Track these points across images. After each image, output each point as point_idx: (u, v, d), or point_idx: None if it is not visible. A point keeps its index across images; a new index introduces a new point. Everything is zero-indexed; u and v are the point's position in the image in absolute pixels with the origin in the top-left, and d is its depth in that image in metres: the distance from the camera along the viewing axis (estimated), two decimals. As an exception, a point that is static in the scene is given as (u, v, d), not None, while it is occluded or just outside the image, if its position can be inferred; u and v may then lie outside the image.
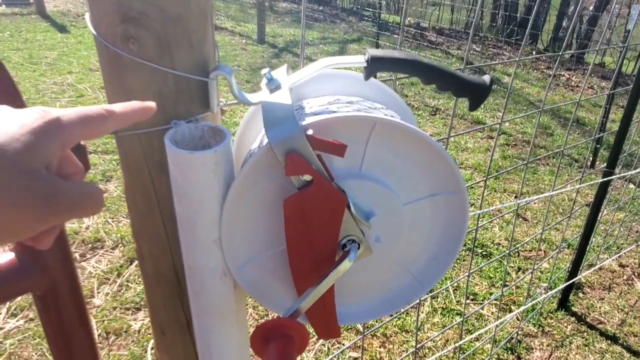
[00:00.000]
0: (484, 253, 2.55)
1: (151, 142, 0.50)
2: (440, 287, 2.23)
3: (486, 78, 0.54)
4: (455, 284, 2.27)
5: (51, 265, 0.50)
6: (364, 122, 0.46)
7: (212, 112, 0.51)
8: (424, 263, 0.57)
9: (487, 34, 8.22)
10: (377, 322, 2.01)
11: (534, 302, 2.17)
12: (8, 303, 1.98)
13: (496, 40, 7.90)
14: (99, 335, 1.85)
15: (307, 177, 0.44)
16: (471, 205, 3.02)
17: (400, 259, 0.55)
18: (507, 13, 8.30)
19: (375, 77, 0.55)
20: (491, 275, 2.37)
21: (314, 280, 0.49)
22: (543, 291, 2.28)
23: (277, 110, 0.45)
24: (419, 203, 0.52)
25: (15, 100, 0.47)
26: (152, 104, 0.40)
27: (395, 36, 7.20)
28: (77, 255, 2.24)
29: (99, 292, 2.05)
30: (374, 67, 0.50)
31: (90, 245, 2.31)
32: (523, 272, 2.44)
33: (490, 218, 2.90)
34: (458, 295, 2.20)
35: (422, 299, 2.16)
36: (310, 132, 0.45)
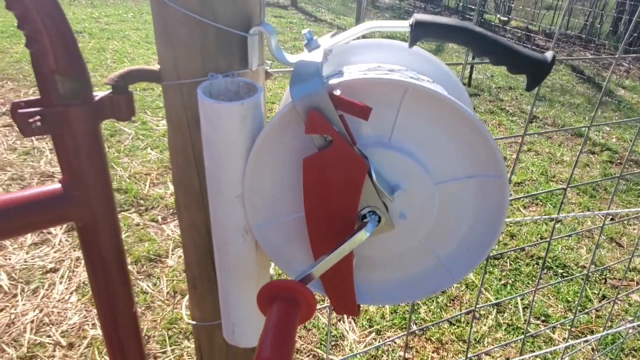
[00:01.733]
0: (564, 274, 2.34)
1: (191, 94, 0.52)
2: (509, 303, 2.09)
3: (548, 55, 0.48)
4: (526, 301, 2.11)
5: (93, 199, 0.54)
6: (395, 86, 0.44)
7: (250, 69, 0.52)
8: (454, 250, 0.53)
9: (605, 41, 7.48)
10: (434, 326, 1.93)
11: (615, 332, 1.95)
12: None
13: (614, 49, 7.17)
14: (167, 293, 1.98)
15: (328, 137, 0.43)
16: (558, 222, 2.78)
17: (428, 240, 0.52)
18: (631, 18, 7.48)
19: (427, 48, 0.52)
20: (569, 298, 2.17)
21: (331, 249, 0.48)
22: (629, 324, 2.04)
23: (305, 68, 0.44)
24: (454, 184, 0.49)
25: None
26: None
27: (499, 37, 6.81)
28: (159, 217, 2.41)
29: (172, 254, 2.19)
30: (418, 32, 0.47)
31: (171, 210, 2.47)
32: (608, 302, 2.20)
33: (579, 238, 2.65)
34: (528, 314, 2.04)
35: (486, 311, 2.04)
36: (337, 92, 0.43)
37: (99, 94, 0.52)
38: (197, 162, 0.56)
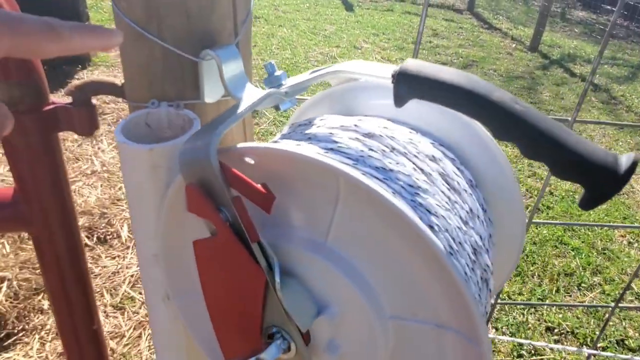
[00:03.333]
0: None
1: (140, 118, 0.44)
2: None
3: (624, 158, 0.28)
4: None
5: (45, 212, 0.50)
6: (326, 171, 0.28)
7: (201, 100, 0.41)
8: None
9: None
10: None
11: None
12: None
13: None
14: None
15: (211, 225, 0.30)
16: None
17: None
18: None
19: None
20: None
21: (240, 344, 0.35)
22: None
23: (219, 117, 0.32)
24: (415, 326, 0.32)
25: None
26: (117, 34, 0.29)
27: None
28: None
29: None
30: (402, 89, 0.31)
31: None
32: None
33: None
34: None
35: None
36: (250, 160, 0.30)
37: (56, 102, 0.47)
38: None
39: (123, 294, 1.91)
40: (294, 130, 0.38)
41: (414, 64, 0.31)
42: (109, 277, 1.98)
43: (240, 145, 0.31)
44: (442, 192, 0.33)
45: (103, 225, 2.17)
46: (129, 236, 2.18)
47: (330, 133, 0.35)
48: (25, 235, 1.91)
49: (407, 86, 0.30)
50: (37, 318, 1.72)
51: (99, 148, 2.66)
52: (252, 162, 0.30)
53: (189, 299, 0.42)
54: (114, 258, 2.08)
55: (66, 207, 0.51)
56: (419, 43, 0.90)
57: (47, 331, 1.69)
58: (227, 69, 0.38)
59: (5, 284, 1.72)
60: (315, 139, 0.34)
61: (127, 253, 2.10)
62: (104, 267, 2.01)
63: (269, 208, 0.28)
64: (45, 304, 1.75)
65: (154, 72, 0.41)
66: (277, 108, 0.39)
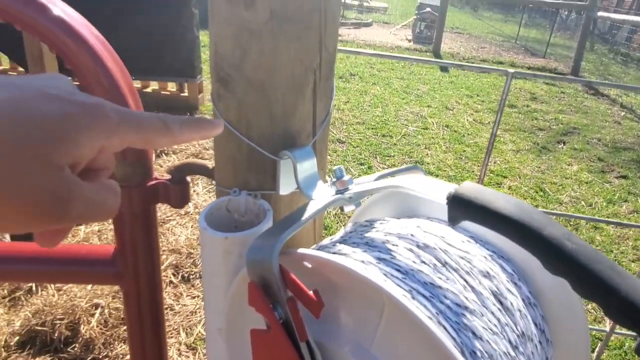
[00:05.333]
0: None
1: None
2: None
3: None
4: None
5: (137, 274, 0.57)
6: (373, 289, 0.30)
7: (276, 192, 0.45)
8: None
9: None
10: None
11: None
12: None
13: None
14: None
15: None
16: None
17: None
18: None
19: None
20: None
21: None
22: None
23: (286, 219, 0.35)
24: None
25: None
26: (218, 126, 0.32)
27: None
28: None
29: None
30: (455, 212, 0.32)
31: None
32: None
33: None
34: None
35: None
36: (308, 265, 0.33)
37: (158, 178, 0.54)
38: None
39: (197, 334, 2.00)
40: (354, 231, 0.40)
41: (469, 188, 0.32)
42: (187, 315, 2.09)
43: (300, 250, 0.34)
44: (492, 312, 0.33)
45: (189, 264, 2.31)
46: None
47: (387, 240, 0.37)
48: (121, 266, 2.10)
49: (461, 210, 0.32)
50: (120, 347, 1.85)
51: (194, 191, 2.87)
52: (309, 266, 0.33)
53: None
54: (194, 298, 2.20)
55: (154, 267, 0.58)
56: (501, 112, 0.89)
57: (127, 360, 1.81)
58: (301, 169, 0.42)
59: (98, 311, 1.89)
60: (371, 244, 0.36)
61: (207, 293, 2.22)
62: (184, 305, 2.13)
63: (318, 314, 0.31)
64: (129, 333, 1.89)
65: (239, 164, 0.46)
66: (341, 209, 0.42)
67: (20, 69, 3.56)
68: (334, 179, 0.41)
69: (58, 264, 0.56)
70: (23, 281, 0.66)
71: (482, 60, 7.39)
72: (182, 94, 3.91)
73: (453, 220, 0.33)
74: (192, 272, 2.28)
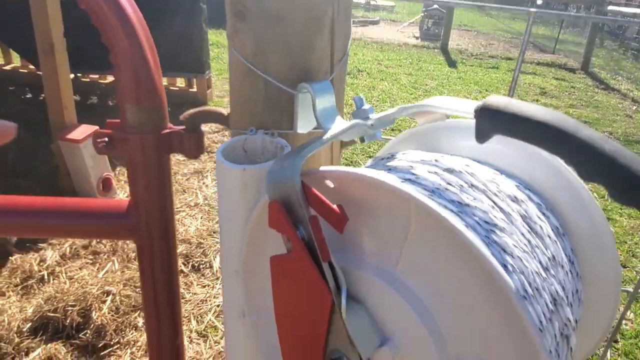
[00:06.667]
0: None
1: (240, 145, 0.48)
2: None
3: None
4: None
5: (150, 225, 0.56)
6: (399, 198, 0.29)
7: (294, 130, 0.44)
8: None
9: None
10: None
11: None
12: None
13: None
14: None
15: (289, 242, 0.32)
16: None
17: None
18: None
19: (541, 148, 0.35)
20: None
21: None
22: None
23: (306, 143, 0.34)
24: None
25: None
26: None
27: None
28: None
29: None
30: (484, 124, 0.31)
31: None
32: None
33: None
34: None
35: None
36: (330, 184, 0.32)
37: (172, 127, 0.53)
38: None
39: (208, 322, 1.99)
40: (376, 163, 0.39)
41: (497, 99, 0.31)
42: (197, 304, 2.08)
43: (322, 168, 0.33)
44: (522, 234, 0.32)
45: (199, 254, 2.31)
46: (220, 267, 2.30)
47: (410, 166, 0.36)
48: (132, 255, 2.10)
49: (490, 121, 0.30)
50: (131, 334, 1.85)
51: (203, 183, 2.87)
52: (332, 185, 0.32)
53: (262, 318, 0.44)
54: (204, 287, 2.19)
55: (168, 221, 0.57)
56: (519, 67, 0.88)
57: (138, 347, 1.80)
58: (320, 102, 0.41)
59: (109, 298, 1.89)
60: (394, 170, 0.35)
61: (217, 283, 2.21)
62: (194, 294, 2.13)
63: (341, 228, 0.29)
64: (141, 321, 1.89)
65: (255, 103, 0.45)
66: (362, 140, 0.41)
67: (31, 66, 3.59)
68: (354, 109, 0.40)
69: (71, 218, 0.55)
70: (35, 235, 0.65)
71: (491, 57, 7.34)
72: (191, 90, 3.92)
73: (482, 135, 0.31)
74: (202, 262, 2.27)
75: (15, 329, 1.73)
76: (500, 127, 0.30)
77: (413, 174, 0.34)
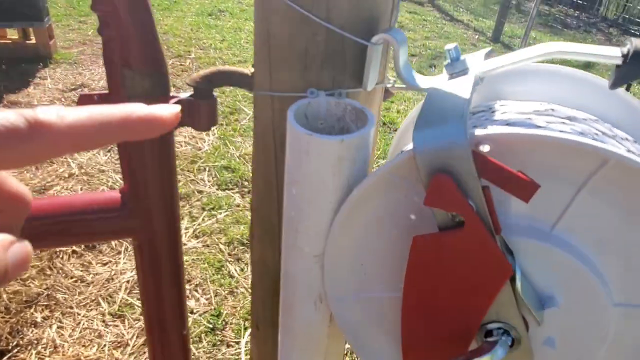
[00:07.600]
0: None
1: (283, 111, 0.40)
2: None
3: None
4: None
5: (153, 215, 0.46)
6: (585, 155, 0.27)
7: (364, 88, 0.38)
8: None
9: None
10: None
11: None
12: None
13: None
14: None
15: (458, 217, 0.28)
16: None
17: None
18: None
19: (628, 88, 0.34)
20: None
21: (430, 356, 0.34)
22: None
23: (441, 102, 0.30)
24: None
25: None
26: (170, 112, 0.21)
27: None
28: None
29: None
30: (634, 68, 0.30)
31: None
32: None
33: None
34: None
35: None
36: (485, 148, 0.28)
37: (178, 95, 0.43)
38: (279, 194, 0.45)
39: (121, 300, 1.82)
40: (495, 117, 0.36)
41: (643, 43, 0.30)
42: (103, 284, 1.88)
43: (478, 132, 0.29)
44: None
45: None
46: (118, 241, 2.08)
47: (529, 118, 0.33)
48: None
49: (641, 66, 0.29)
50: (32, 332, 1.61)
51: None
52: (487, 149, 0.28)
53: (345, 303, 0.40)
54: (105, 264, 1.97)
55: (173, 210, 0.47)
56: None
57: (44, 345, 1.59)
58: (402, 55, 0.36)
59: (-5, 299, 1.61)
60: (513, 123, 0.33)
61: (119, 258, 2.00)
62: (97, 274, 1.91)
63: (528, 196, 0.26)
64: (39, 316, 1.65)
65: (312, 59, 0.38)
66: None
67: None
68: (448, 61, 0.35)
69: (47, 223, 0.42)
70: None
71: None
72: (28, 42, 3.28)
73: (624, 79, 0.30)
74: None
75: None
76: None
77: (538, 126, 0.32)
